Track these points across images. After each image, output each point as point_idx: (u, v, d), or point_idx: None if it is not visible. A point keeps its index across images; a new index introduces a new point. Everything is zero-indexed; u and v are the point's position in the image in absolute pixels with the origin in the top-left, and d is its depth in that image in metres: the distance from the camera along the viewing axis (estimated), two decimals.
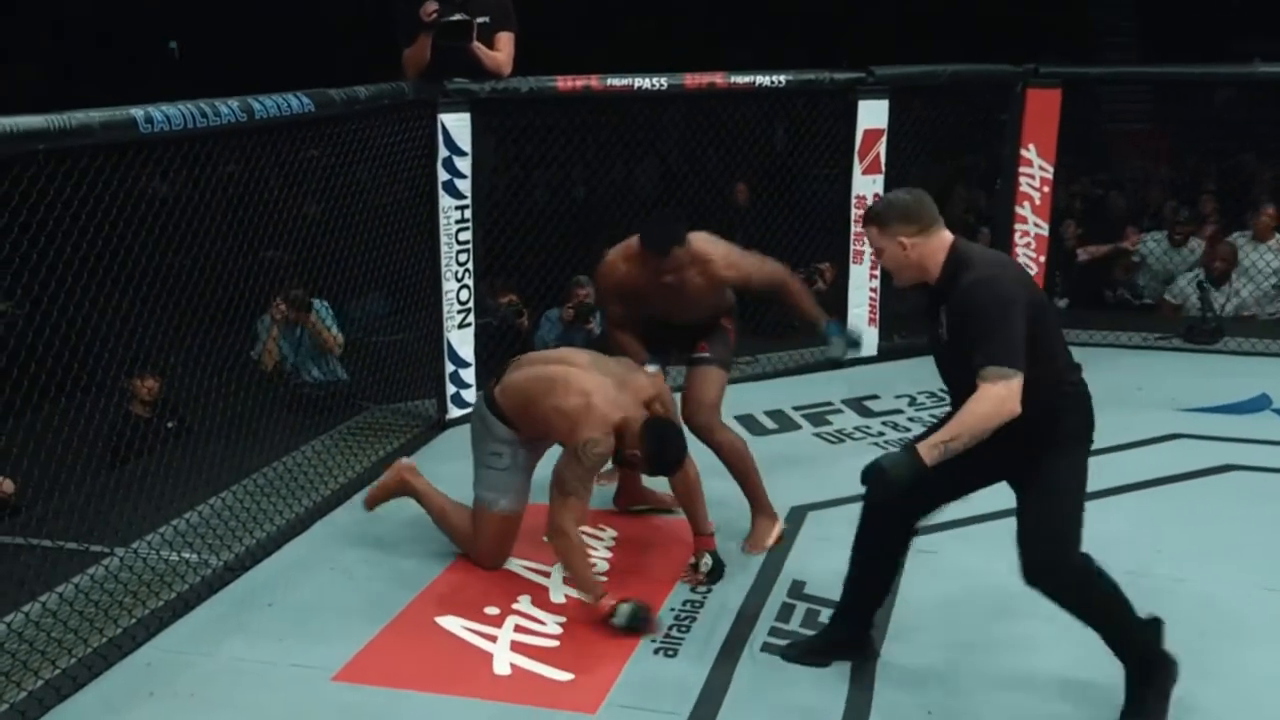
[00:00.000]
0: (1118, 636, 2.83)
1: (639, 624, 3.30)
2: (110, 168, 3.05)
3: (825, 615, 3.41)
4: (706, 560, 3.60)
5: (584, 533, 3.91)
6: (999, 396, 2.62)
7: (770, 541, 3.85)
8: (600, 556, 3.81)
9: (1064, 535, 2.75)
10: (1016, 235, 6.11)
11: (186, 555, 3.69)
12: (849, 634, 3.19)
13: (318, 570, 3.74)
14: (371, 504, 3.93)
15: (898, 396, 5.48)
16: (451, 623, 3.39)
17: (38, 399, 3.17)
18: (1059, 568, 2.75)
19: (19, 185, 2.82)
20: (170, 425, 4.60)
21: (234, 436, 4.30)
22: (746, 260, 3.86)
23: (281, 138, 3.97)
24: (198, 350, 4.07)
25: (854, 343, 4.17)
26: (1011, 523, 3.79)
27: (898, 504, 2.88)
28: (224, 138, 3.59)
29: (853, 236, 5.82)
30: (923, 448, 2.67)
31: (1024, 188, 6.07)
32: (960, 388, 2.80)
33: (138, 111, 3.10)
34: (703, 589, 3.57)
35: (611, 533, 3.99)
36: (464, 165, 4.86)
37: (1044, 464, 2.75)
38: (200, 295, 4.07)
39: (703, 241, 3.77)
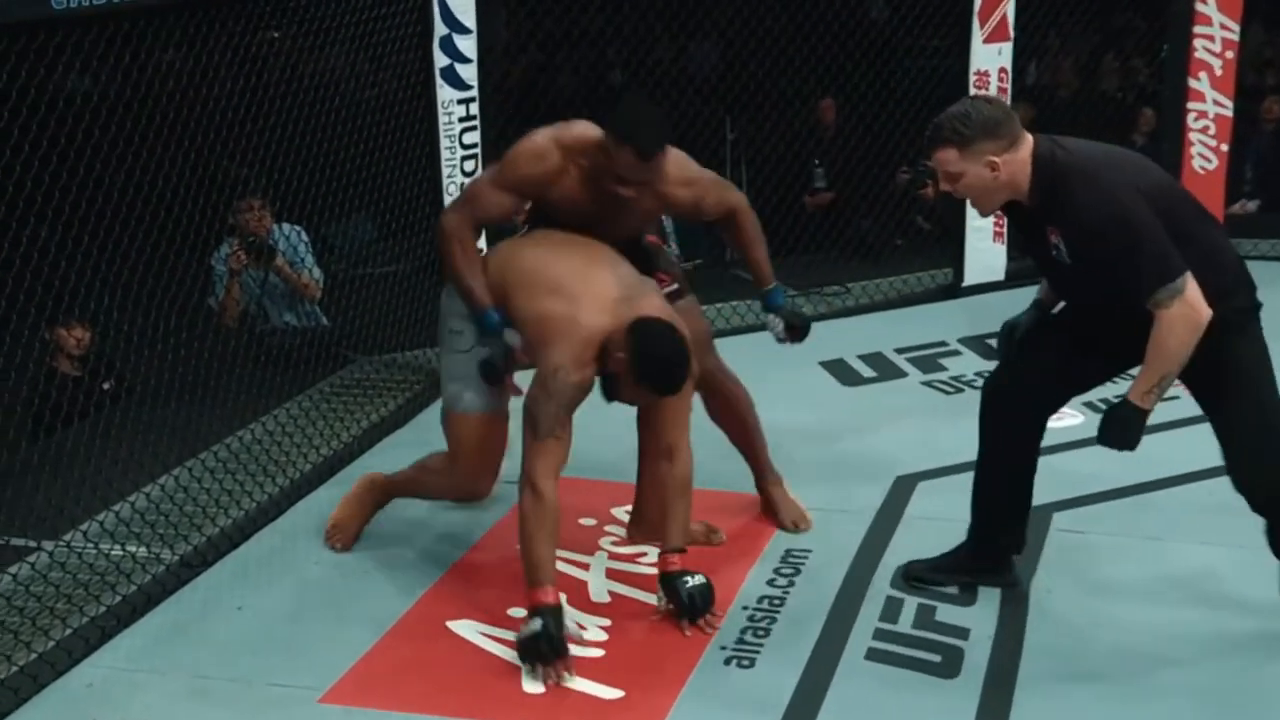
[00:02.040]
0: None
1: (541, 649, 3.13)
2: (16, 55, 3.03)
3: (942, 611, 3.39)
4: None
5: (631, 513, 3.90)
6: (1184, 316, 2.92)
7: (801, 505, 3.92)
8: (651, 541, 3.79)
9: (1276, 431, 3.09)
10: (1190, 117, 5.97)
11: (133, 549, 3.70)
12: (981, 557, 3.49)
13: (298, 565, 3.75)
14: (347, 541, 3.77)
15: None
16: (466, 628, 3.39)
17: None
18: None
19: None
20: (106, 386, 4.64)
21: (188, 399, 4.32)
22: (703, 179, 3.68)
23: (233, 15, 3.94)
24: (138, 291, 4.08)
25: (799, 323, 3.82)
26: (1159, 495, 3.73)
27: (1021, 403, 3.31)
28: (160, 16, 3.56)
29: None
30: (1140, 400, 3.01)
31: (1200, 54, 5.92)
32: (1092, 308, 3.15)
33: None
34: (782, 583, 3.54)
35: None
36: (467, 46, 4.81)
37: (1225, 353, 3.02)
38: (140, 222, 4.07)
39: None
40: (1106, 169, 2.99)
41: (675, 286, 3.78)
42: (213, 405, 4.40)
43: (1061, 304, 3.33)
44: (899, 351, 5.28)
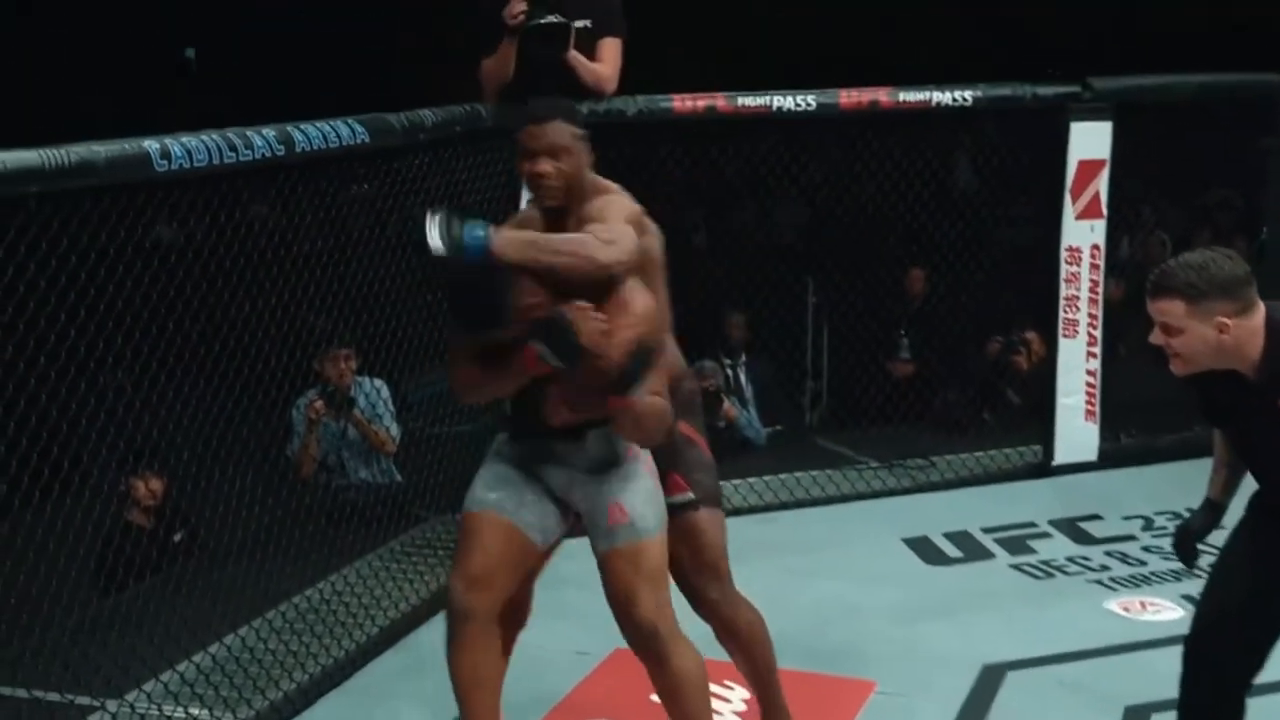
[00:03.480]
0: None
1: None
2: (117, 213, 3.11)
3: None
4: None
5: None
6: None
7: None
8: None
9: None
10: None
11: (195, 711, 3.67)
12: None
13: None
14: None
15: (1127, 518, 5.29)
16: None
17: (11, 503, 3.20)
18: None
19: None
20: (178, 538, 4.66)
21: (258, 554, 4.31)
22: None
23: (326, 174, 4.02)
24: (215, 443, 4.11)
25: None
26: None
27: (1229, 660, 2.97)
28: (256, 175, 3.65)
29: (1063, 303, 5.68)
30: None
31: None
32: None
33: (152, 144, 3.15)
34: None
35: (741, 693, 3.88)
36: None
37: None
38: (220, 372, 4.12)
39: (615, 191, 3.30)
40: None
41: (690, 496, 3.32)
42: (283, 561, 4.39)
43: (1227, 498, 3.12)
44: (986, 531, 5.17)
